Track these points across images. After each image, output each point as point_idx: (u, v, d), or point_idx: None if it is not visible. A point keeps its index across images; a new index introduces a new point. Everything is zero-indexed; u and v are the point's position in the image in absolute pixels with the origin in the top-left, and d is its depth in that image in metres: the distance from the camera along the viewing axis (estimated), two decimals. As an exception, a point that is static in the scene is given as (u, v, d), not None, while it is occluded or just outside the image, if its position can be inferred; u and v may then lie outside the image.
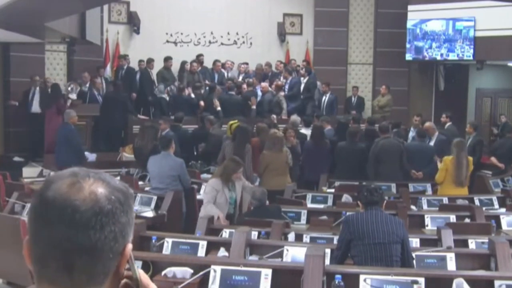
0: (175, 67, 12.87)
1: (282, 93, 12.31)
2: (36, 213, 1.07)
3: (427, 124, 9.44)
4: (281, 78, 12.87)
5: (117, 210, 1.07)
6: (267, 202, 6.07)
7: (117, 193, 1.09)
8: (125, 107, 11.43)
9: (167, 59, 12.60)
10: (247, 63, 13.53)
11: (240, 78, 13.08)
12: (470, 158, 7.66)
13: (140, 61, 12.65)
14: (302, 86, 12.81)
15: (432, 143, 8.89)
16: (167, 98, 11.73)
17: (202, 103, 11.60)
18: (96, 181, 1.09)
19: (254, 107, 11.85)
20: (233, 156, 6.84)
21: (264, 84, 12.47)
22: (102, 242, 1.05)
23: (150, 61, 12.58)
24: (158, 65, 12.67)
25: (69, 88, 10.80)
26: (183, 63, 12.79)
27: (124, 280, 1.12)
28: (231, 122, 9.56)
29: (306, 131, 10.01)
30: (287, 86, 12.69)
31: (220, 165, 8.02)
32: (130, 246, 1.11)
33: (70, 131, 8.92)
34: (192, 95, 11.85)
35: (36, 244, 1.06)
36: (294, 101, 12.51)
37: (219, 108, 11.28)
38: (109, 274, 1.09)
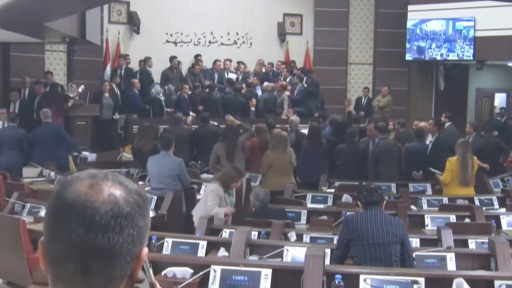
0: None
1: (286, 94, 12.27)
2: (54, 214, 1.05)
3: (423, 124, 9.42)
4: (287, 80, 12.82)
5: (135, 213, 1.06)
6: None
7: (135, 196, 1.08)
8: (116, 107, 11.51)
9: (172, 59, 12.59)
10: (242, 63, 13.46)
11: (240, 78, 13.06)
12: (475, 158, 7.57)
13: (141, 61, 12.68)
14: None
15: (427, 142, 8.88)
16: (163, 99, 11.68)
17: (200, 107, 11.62)
18: (115, 183, 1.07)
19: (253, 108, 11.83)
20: (235, 164, 6.78)
21: (266, 84, 12.44)
22: (120, 244, 1.03)
23: (147, 59, 12.58)
24: (158, 64, 12.68)
25: (73, 91, 10.81)
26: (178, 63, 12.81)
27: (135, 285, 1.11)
28: (229, 122, 9.60)
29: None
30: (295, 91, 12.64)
31: (212, 167, 8.06)
32: (146, 250, 1.10)
33: (60, 128, 9.12)
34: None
35: (53, 245, 1.04)
36: (300, 106, 12.44)
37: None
38: (125, 278, 1.07)
